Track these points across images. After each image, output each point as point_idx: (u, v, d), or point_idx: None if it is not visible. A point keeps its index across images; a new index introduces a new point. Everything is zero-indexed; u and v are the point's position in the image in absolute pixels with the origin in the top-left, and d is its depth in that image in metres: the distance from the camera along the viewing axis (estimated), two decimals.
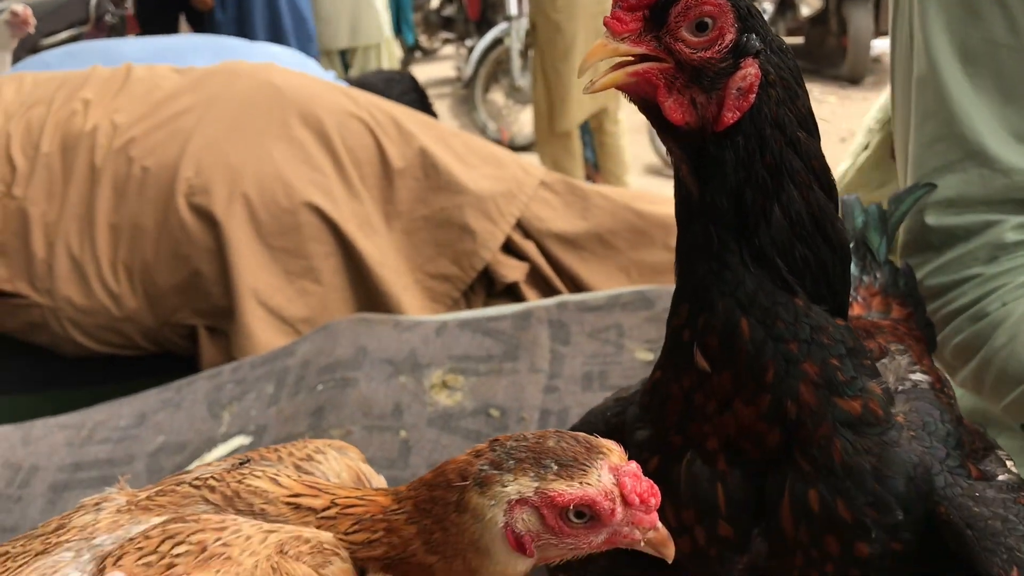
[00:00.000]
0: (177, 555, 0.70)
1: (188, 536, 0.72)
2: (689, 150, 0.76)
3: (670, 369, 0.81)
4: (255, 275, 2.01)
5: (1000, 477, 0.80)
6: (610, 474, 0.70)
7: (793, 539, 0.77)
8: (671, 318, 0.81)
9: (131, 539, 0.73)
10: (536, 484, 0.70)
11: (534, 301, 1.95)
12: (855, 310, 1.05)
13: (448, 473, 0.73)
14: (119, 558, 0.71)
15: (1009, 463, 0.83)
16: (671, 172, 0.81)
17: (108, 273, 2.05)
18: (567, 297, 1.87)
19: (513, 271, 2.23)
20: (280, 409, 1.64)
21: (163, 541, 0.71)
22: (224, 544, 0.71)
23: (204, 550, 0.70)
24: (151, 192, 2.04)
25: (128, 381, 2.15)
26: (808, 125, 0.77)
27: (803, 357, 0.76)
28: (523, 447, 0.71)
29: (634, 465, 0.71)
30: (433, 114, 3.62)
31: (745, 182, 0.76)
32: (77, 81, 2.20)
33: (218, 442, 1.62)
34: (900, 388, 0.84)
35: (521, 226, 2.27)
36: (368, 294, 2.10)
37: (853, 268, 1.09)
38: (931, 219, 1.14)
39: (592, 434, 0.90)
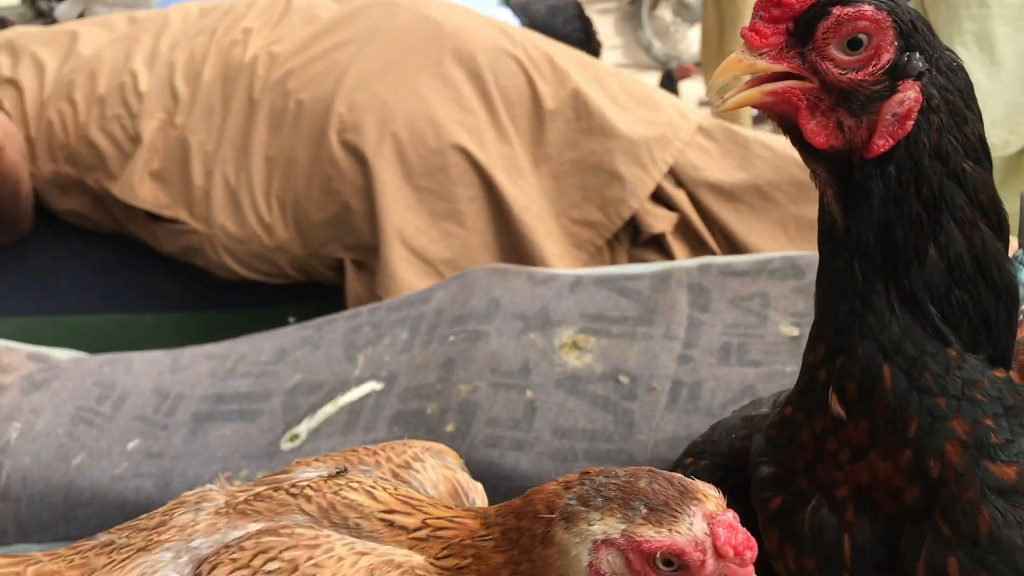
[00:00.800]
0: (269, 571, 0.71)
1: (281, 552, 0.72)
2: (835, 174, 0.69)
3: (802, 409, 0.75)
4: (401, 215, 2.02)
5: None
6: (703, 522, 0.66)
7: None
8: (807, 353, 0.75)
9: (226, 546, 0.75)
10: (623, 526, 0.67)
11: (675, 261, 1.88)
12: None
13: (536, 503, 0.71)
14: (214, 567, 0.73)
15: None
16: None
17: (262, 203, 2.09)
18: (711, 259, 1.80)
19: (661, 221, 2.16)
20: (412, 357, 1.65)
21: (256, 555, 0.72)
22: (316, 564, 0.71)
23: (296, 569, 0.71)
24: (305, 126, 2.06)
25: (277, 306, 2.23)
26: (977, 154, 0.69)
27: (952, 414, 0.69)
28: (613, 484, 0.68)
29: (730, 515, 0.67)
30: (597, 44, 3.52)
31: (896, 217, 0.68)
32: (240, 9, 2.23)
33: (351, 385, 1.65)
34: None
35: (673, 174, 2.19)
36: (511, 238, 2.08)
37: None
38: None
39: (714, 452, 0.86)
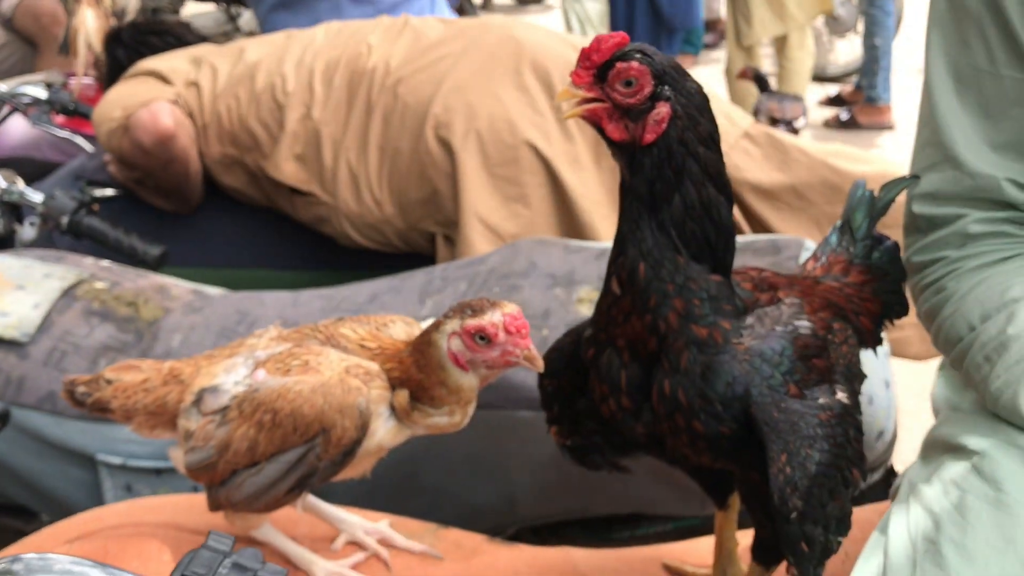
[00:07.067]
0: (293, 365, 1.23)
1: (301, 356, 1.24)
2: (625, 155, 1.14)
3: (603, 292, 1.20)
4: (479, 197, 2.51)
5: (820, 400, 1.12)
6: (501, 316, 1.16)
7: (660, 413, 1.15)
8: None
9: (273, 354, 1.26)
10: (460, 321, 1.18)
11: None
12: (817, 271, 1.36)
13: (427, 328, 1.22)
14: (263, 364, 1.25)
15: (840, 395, 1.14)
16: None
17: (375, 184, 2.63)
18: None
19: None
20: None
21: (287, 357, 1.25)
22: (318, 361, 1.23)
23: (307, 363, 1.23)
24: (409, 123, 2.58)
25: (382, 271, 2.76)
26: (707, 143, 1.12)
27: (675, 295, 1.13)
28: (459, 304, 1.20)
29: (517, 310, 1.17)
30: None
31: (656, 178, 1.12)
32: (367, 29, 2.78)
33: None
34: (776, 329, 1.17)
35: None
36: (569, 218, 2.54)
37: (832, 239, 1.39)
38: (916, 208, 1.40)
39: (567, 332, 1.32)
